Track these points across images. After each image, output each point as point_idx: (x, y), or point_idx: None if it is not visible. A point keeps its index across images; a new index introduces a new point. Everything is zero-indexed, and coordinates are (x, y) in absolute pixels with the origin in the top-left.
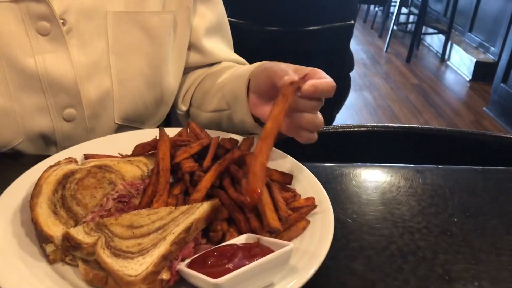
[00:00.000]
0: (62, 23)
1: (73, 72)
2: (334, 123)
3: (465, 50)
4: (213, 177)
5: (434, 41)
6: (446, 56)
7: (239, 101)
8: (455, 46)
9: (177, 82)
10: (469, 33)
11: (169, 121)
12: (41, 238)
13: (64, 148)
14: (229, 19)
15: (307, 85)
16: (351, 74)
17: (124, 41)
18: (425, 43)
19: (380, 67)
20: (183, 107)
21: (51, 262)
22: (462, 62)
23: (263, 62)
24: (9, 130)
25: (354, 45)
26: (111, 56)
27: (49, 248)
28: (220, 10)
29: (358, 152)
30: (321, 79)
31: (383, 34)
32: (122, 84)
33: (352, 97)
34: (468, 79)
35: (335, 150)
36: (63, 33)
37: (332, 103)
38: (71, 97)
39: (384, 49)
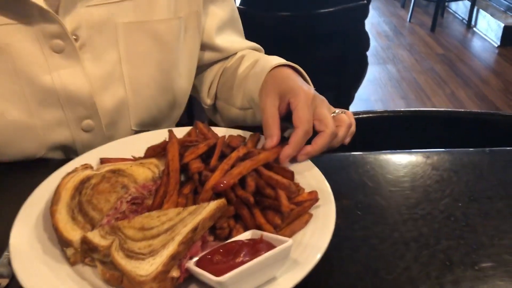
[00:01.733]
0: (75, 39)
1: (89, 85)
2: (356, 100)
3: (492, 15)
4: (219, 176)
5: (460, 7)
6: (473, 23)
7: (256, 103)
8: (481, 12)
9: (189, 84)
10: None
11: (191, 115)
12: (62, 242)
13: None
14: (241, 7)
15: (301, 156)
16: (374, 47)
17: (135, 50)
18: (450, 10)
19: (404, 38)
20: (209, 101)
21: (72, 264)
22: (489, 27)
23: (281, 68)
24: (32, 144)
25: (376, 17)
26: (123, 66)
27: (69, 252)
28: (231, 5)
29: (366, 139)
30: (317, 144)
31: (406, 3)
32: (135, 92)
33: (375, 71)
34: (496, 45)
35: None
36: (76, 49)
37: (349, 84)
38: (88, 109)
39: (407, 19)
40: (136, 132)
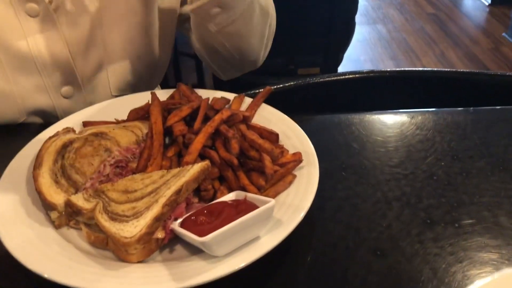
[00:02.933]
0: (49, 2)
1: (66, 49)
2: (345, 60)
3: None
4: (203, 139)
5: None
6: None
7: None
8: None
9: (169, 48)
10: None
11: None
12: (46, 206)
13: None
14: None
15: None
16: (364, 6)
17: (110, 13)
18: None
19: None
20: (197, 45)
21: (56, 227)
22: None
23: None
24: (12, 111)
25: None
26: (99, 30)
27: (54, 215)
28: None
29: (353, 100)
30: None
31: None
32: (113, 57)
33: (365, 31)
34: (487, 4)
35: (331, 99)
36: (51, 12)
37: (336, 46)
38: (66, 75)
39: None
40: (117, 96)
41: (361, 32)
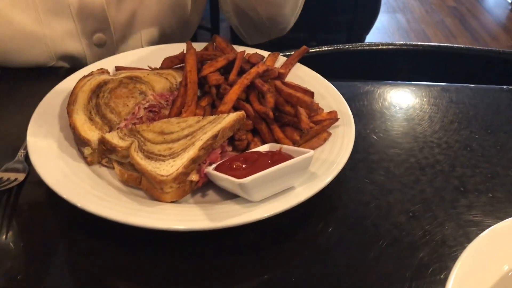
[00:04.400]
0: None
1: None
2: None
3: None
4: (238, 90)
5: None
6: None
7: None
8: None
9: (202, 4)
10: None
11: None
12: (79, 142)
13: None
14: None
15: None
16: None
17: None
18: None
19: None
20: (225, 6)
21: (89, 164)
22: None
23: None
24: (42, 54)
25: None
26: None
27: (87, 151)
28: None
29: (386, 71)
30: None
31: None
32: (147, 7)
33: (384, 19)
34: (510, 1)
35: (363, 68)
36: None
37: (361, 26)
38: (100, 22)
39: None
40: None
41: (380, 20)
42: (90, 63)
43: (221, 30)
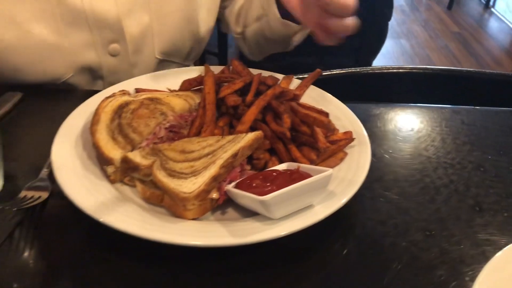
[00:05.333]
0: None
1: (116, 8)
2: None
3: None
4: (256, 111)
5: None
6: (491, 3)
7: (270, 5)
8: None
9: (213, 18)
10: None
11: (203, 60)
12: (102, 160)
13: (110, 82)
14: None
15: None
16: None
17: None
18: None
19: (420, 14)
20: (239, 29)
21: (111, 182)
22: (508, 9)
23: None
24: (61, 65)
25: None
26: None
27: (110, 170)
28: None
29: (396, 94)
30: None
31: None
32: (160, 20)
33: (389, 45)
34: None
35: (373, 91)
36: None
37: (368, 51)
38: (115, 32)
39: None
40: (160, 60)
41: (385, 45)
42: (105, 73)
43: (229, 55)
